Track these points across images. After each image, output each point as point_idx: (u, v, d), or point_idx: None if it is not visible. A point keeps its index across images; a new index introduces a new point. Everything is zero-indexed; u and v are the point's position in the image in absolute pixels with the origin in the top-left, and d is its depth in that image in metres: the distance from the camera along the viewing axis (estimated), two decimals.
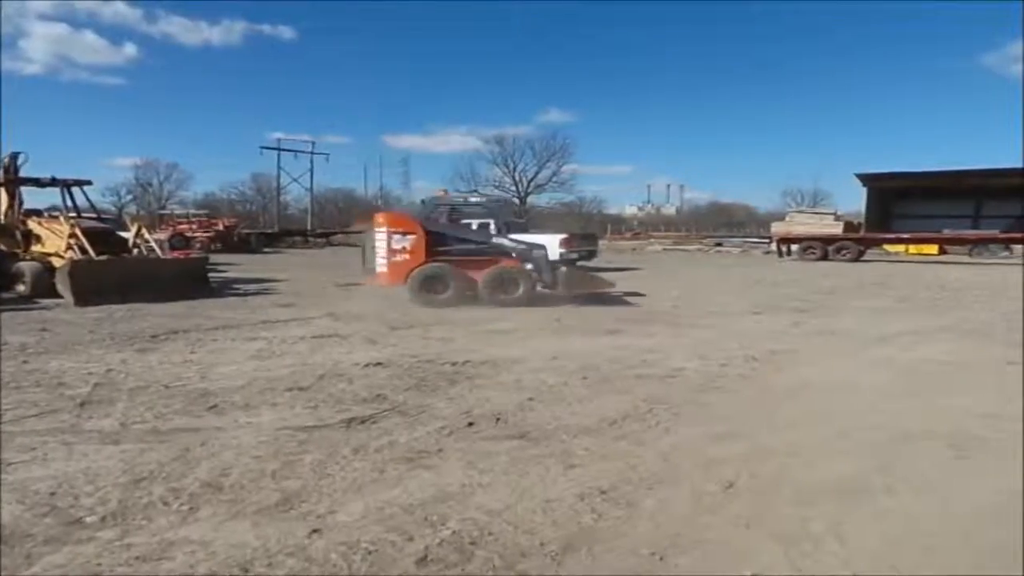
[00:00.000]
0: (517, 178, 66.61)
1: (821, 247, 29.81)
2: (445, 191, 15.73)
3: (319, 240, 47.28)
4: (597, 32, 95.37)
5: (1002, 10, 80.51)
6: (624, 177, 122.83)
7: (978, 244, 32.62)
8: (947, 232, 32.05)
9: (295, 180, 61.77)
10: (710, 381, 5.74)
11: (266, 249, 37.18)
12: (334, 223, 59.83)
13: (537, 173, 66.61)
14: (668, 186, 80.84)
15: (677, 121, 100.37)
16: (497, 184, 65.92)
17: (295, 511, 2.97)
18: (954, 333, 8.67)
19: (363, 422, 4.35)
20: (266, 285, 14.81)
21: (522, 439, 4.06)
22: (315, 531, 2.77)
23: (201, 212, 42.76)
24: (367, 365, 6.10)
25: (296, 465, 3.54)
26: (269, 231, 47.36)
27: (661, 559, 2.61)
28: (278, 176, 61.04)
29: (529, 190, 66.13)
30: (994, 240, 31.55)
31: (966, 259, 31.77)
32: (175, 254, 17.70)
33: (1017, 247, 31.75)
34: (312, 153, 60.62)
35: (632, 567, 2.55)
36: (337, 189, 73.60)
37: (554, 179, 66.50)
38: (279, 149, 59.63)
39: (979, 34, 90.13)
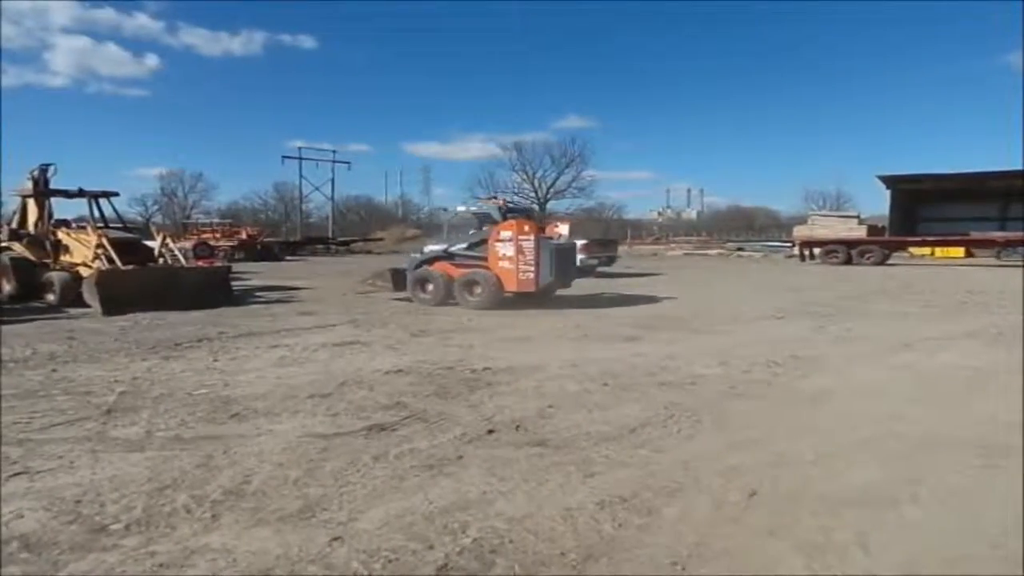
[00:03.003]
0: (536, 184, 66.76)
1: (845, 251, 29.44)
2: (497, 197, 15.73)
3: (340, 248, 47.68)
4: (614, 37, 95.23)
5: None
6: (644, 182, 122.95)
7: (1006, 246, 31.98)
8: (974, 234, 31.44)
9: (317, 189, 62.51)
10: (732, 388, 5.69)
11: (288, 257, 37.54)
12: (355, 231, 60.33)
13: (556, 179, 66.80)
14: (688, 191, 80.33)
15: (696, 126, 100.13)
16: (517, 190, 66.08)
17: (316, 518, 2.99)
18: (979, 338, 8.51)
19: (384, 429, 4.37)
20: (288, 293, 14.96)
21: (542, 446, 4.05)
22: (336, 539, 2.78)
23: (224, 221, 43.28)
24: (388, 372, 6.14)
25: (317, 472, 3.57)
26: (291, 239, 47.91)
27: (683, 569, 2.58)
28: (300, 185, 61.82)
29: (549, 196, 66.24)
30: (1022, 242, 30.91)
31: (993, 262, 31.21)
32: (199, 263, 17.94)
33: None
34: (333, 162, 61.35)
35: None
36: (358, 197, 74.24)
37: (573, 185, 66.61)
38: (300, 158, 60.39)
39: (1001, 34, 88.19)
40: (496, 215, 11.96)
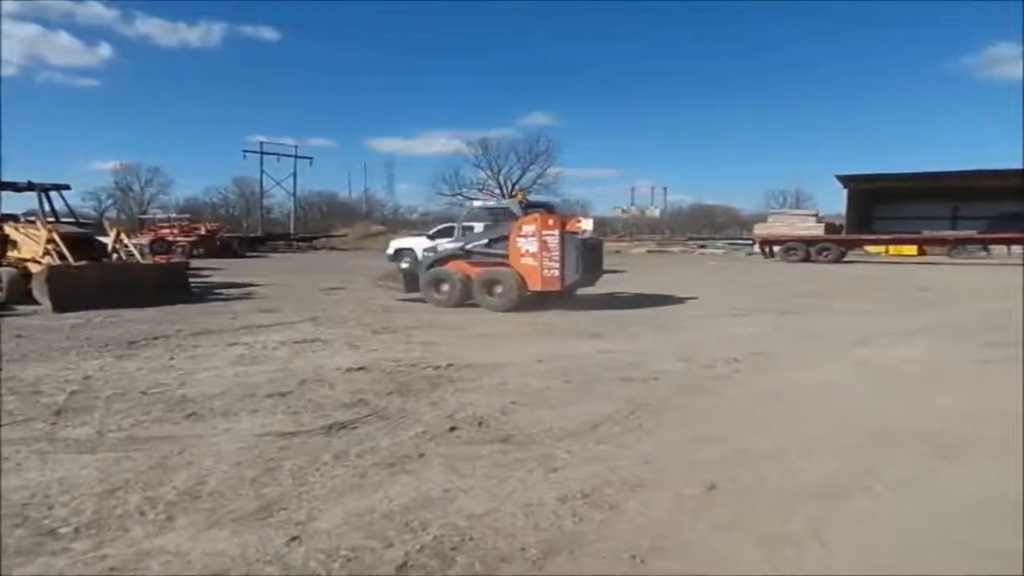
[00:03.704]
0: (501, 181, 66.73)
1: (803, 248, 30.12)
2: (522, 193, 13.93)
3: (302, 244, 47.04)
4: (580, 35, 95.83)
5: (980, 12, 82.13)
6: (609, 180, 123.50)
7: (956, 245, 33.13)
8: (926, 233, 32.52)
9: (278, 184, 61.49)
10: (693, 383, 5.76)
11: (249, 253, 36.91)
12: (317, 227, 59.63)
13: (521, 176, 66.79)
14: (652, 189, 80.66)
15: (660, 125, 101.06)
16: (482, 187, 66.02)
17: (274, 519, 2.94)
18: (934, 333, 8.77)
19: (344, 427, 4.32)
20: (248, 290, 14.69)
21: (504, 443, 4.05)
22: (294, 539, 2.74)
23: (183, 216, 42.36)
24: (349, 370, 6.06)
25: (276, 472, 3.50)
26: (252, 235, 47.08)
27: (642, 562, 2.60)
28: (260, 180, 60.74)
29: (514, 193, 66.17)
30: (972, 240, 32.08)
31: (945, 259, 32.27)
32: (156, 259, 17.53)
33: (994, 247, 32.39)
34: (295, 156, 60.46)
35: (613, 571, 2.55)
36: (321, 193, 73.31)
37: (539, 182, 66.67)
38: (262, 152, 59.36)
39: (957, 37, 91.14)
40: (516, 210, 11.32)
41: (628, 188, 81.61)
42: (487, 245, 11.34)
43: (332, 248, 46.05)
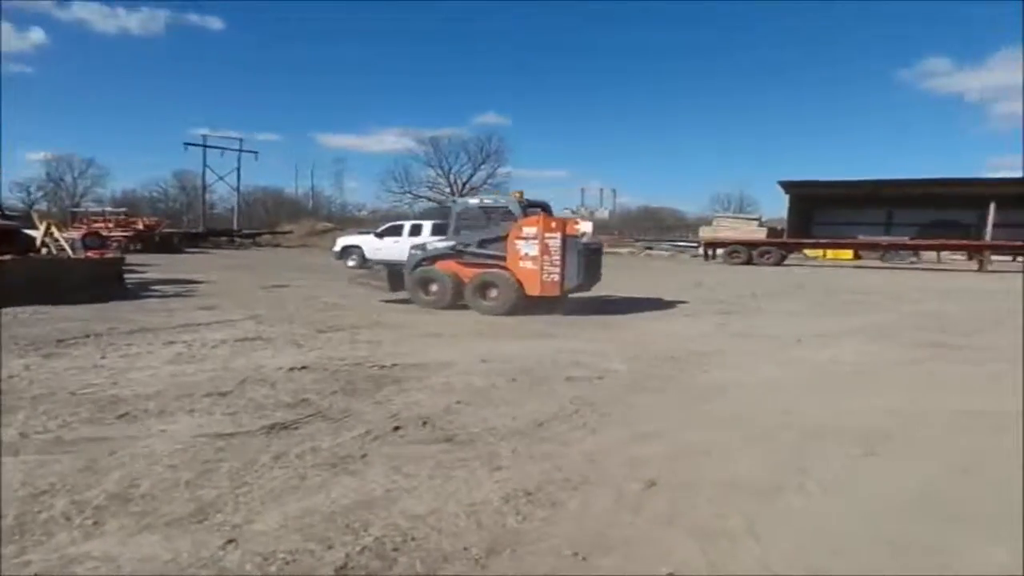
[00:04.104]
0: (452, 179, 66.46)
1: (746, 251, 30.95)
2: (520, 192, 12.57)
3: (246, 240, 45.87)
4: (531, 36, 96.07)
5: (915, 30, 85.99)
6: (559, 181, 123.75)
7: (889, 250, 34.59)
8: (861, 238, 33.85)
9: (221, 178, 59.49)
10: (637, 382, 5.85)
11: (190, 249, 35.80)
12: (262, 223, 58.24)
13: (472, 175, 66.64)
14: (601, 190, 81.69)
15: (610, 128, 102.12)
16: (431, 185, 65.72)
17: (209, 521, 2.86)
18: (867, 334, 9.10)
19: (285, 428, 4.23)
20: (188, 287, 14.24)
21: (449, 442, 4.03)
22: (230, 542, 2.67)
23: (119, 210, 40.71)
24: (291, 369, 5.94)
25: (212, 474, 3.41)
26: (194, 231, 45.66)
27: (584, 559, 2.63)
28: (203, 174, 58.68)
29: (464, 192, 66.00)
30: (903, 246, 33.54)
31: (878, 264, 33.62)
32: (89, 254, 16.83)
33: (924, 253, 33.96)
34: (240, 151, 58.71)
35: (555, 568, 2.56)
36: (266, 188, 71.59)
37: (489, 181, 66.58)
38: (204, 146, 57.46)
39: (893, 52, 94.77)
40: (516, 210, 10.67)
41: (578, 189, 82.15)
42: (481, 245, 10.79)
43: (277, 245, 45.08)
